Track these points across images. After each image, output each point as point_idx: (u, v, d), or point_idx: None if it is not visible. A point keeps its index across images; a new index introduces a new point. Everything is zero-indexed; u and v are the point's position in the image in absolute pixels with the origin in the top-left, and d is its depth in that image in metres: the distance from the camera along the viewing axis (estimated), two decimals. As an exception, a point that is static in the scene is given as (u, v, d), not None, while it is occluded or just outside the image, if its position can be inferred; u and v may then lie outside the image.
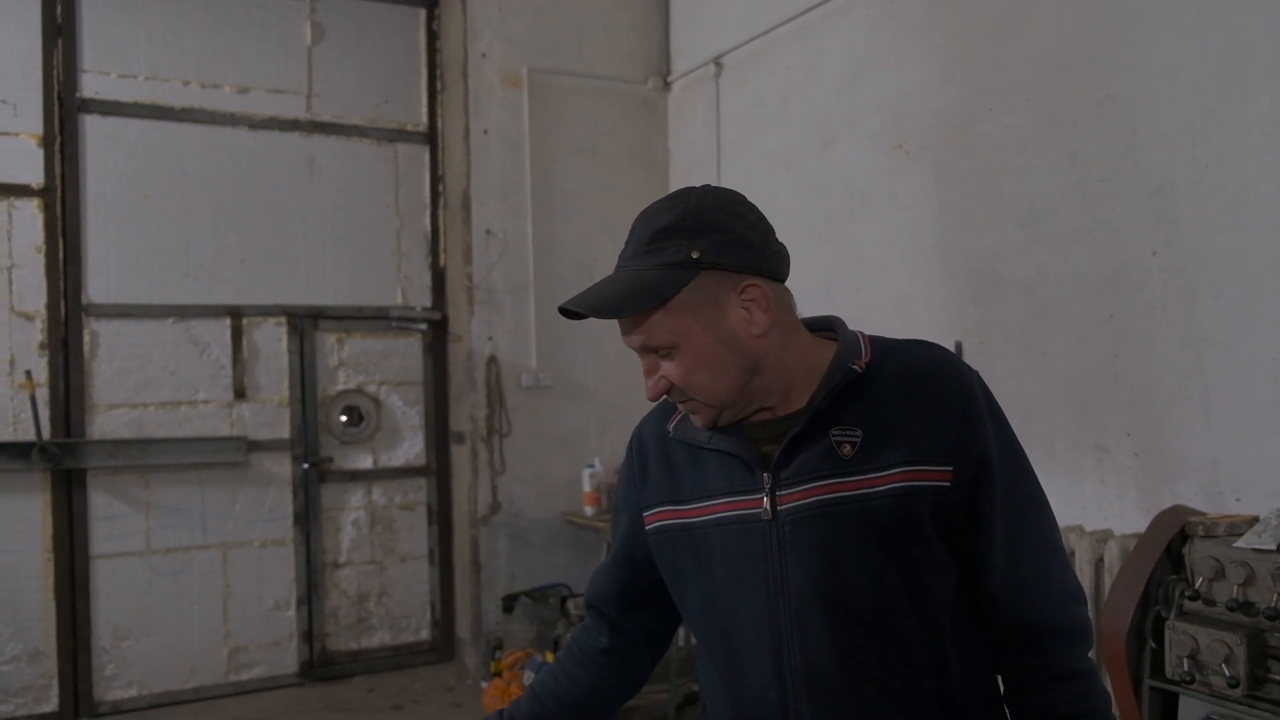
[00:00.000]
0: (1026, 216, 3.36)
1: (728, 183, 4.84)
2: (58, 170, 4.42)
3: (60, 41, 4.43)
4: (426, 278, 5.17)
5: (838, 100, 4.17)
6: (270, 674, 4.83)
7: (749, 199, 1.29)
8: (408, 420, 5.13)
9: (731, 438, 1.26)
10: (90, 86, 4.50)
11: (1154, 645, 2.27)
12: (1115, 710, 1.24)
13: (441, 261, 5.17)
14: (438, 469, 5.17)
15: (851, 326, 1.34)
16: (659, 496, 1.33)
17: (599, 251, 5.03)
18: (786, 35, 4.43)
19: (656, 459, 1.35)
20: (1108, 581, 2.90)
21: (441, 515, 5.18)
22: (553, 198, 4.97)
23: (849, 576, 1.19)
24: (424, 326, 5.12)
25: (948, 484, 1.18)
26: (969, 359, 3.60)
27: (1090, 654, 1.23)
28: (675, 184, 5.28)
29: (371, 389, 5.05)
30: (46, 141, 4.41)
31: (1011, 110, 3.40)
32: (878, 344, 1.28)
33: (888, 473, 1.18)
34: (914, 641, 1.19)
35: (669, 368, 1.21)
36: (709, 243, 1.18)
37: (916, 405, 1.20)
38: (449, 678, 4.95)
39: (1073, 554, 3.07)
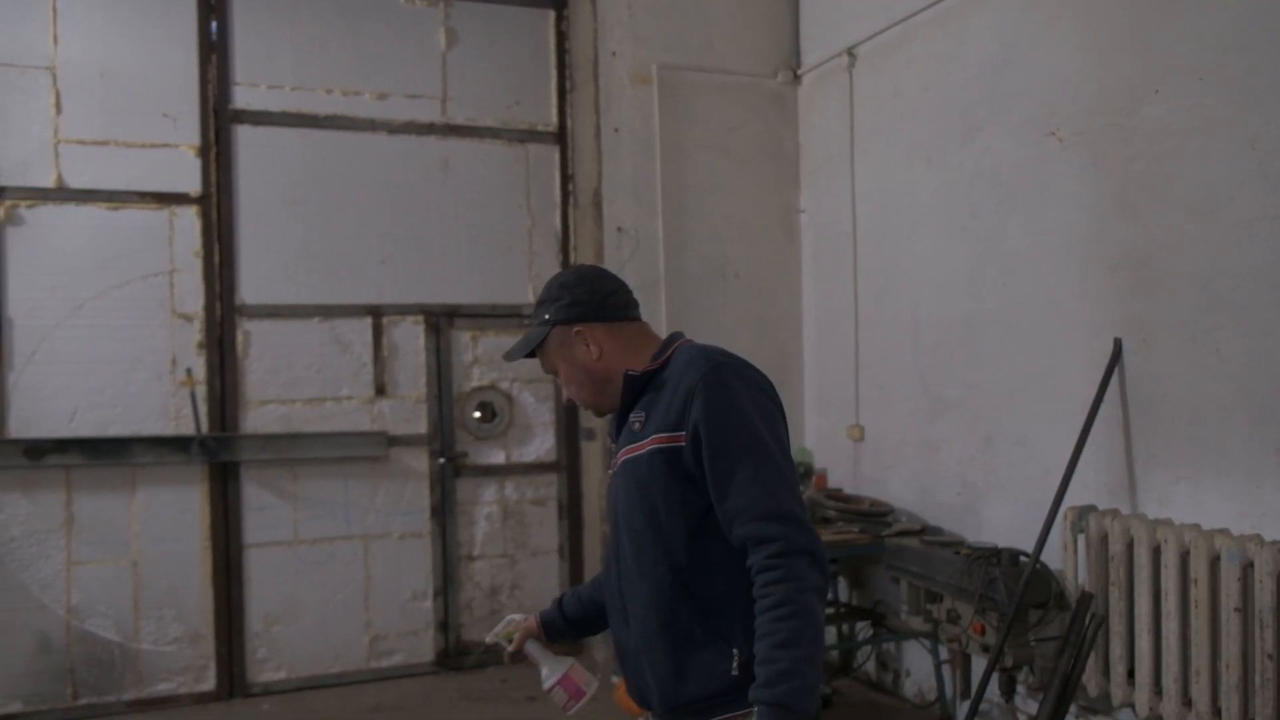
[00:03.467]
0: (1199, 205, 3.16)
1: (861, 177, 4.75)
2: (213, 179, 4.65)
3: (214, 57, 4.65)
4: (557, 276, 5.22)
5: (983, 87, 4.01)
6: (408, 662, 4.97)
7: (594, 271, 1.96)
8: (539, 417, 5.20)
9: (611, 422, 1.92)
10: (242, 98, 4.71)
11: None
12: (808, 596, 1.63)
13: (572, 260, 5.21)
14: (568, 465, 5.22)
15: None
16: (608, 462, 2.13)
17: (729, 248, 4.99)
18: (926, 22, 4.29)
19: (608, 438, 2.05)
20: (1298, 596, 2.71)
21: (572, 510, 5.23)
22: (683, 195, 4.95)
23: (632, 506, 1.79)
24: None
25: (683, 444, 1.73)
26: (1129, 356, 3.43)
27: (790, 557, 1.64)
28: (806, 179, 5.19)
29: (504, 386, 5.14)
30: (203, 152, 4.64)
31: (1182, 91, 3.20)
32: (679, 350, 1.85)
33: (649, 439, 1.76)
34: (665, 549, 1.75)
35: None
36: (554, 308, 1.86)
37: (668, 392, 1.77)
38: (580, 672, 4.99)
39: (1250, 565, 2.88)
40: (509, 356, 1.97)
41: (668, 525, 1.75)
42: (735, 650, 1.72)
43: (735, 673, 1.71)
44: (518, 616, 2.14)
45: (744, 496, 1.68)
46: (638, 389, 1.82)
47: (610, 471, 1.94)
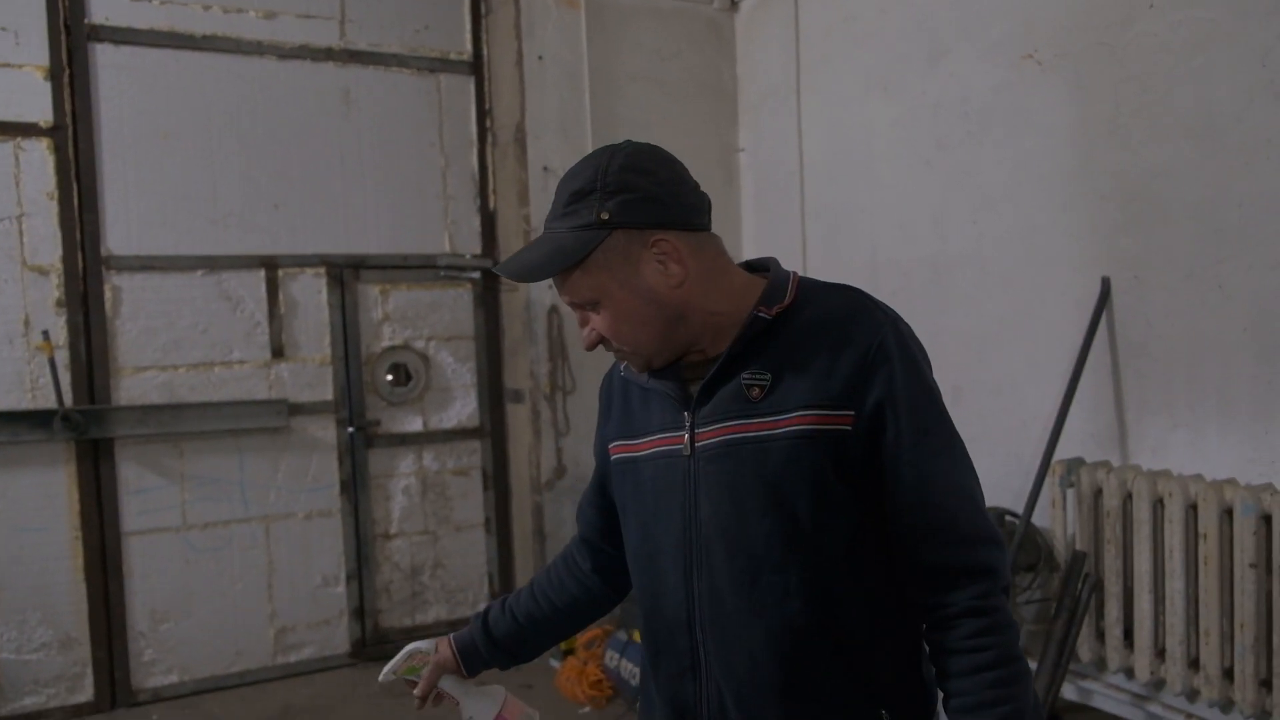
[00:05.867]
0: (1202, 128, 2.91)
1: (808, 111, 4.39)
2: (68, 106, 3.94)
3: (64, -40, 3.93)
4: (476, 222, 4.70)
5: (950, 8, 3.70)
6: (320, 655, 4.45)
7: (666, 152, 1.29)
8: (459, 378, 4.70)
9: (665, 378, 1.32)
10: (100, 11, 4.00)
11: None
12: (1020, 649, 1.25)
13: (492, 204, 4.70)
14: (492, 430, 4.76)
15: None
16: (617, 431, 1.41)
17: (666, 189, 4.57)
18: (884, -63, 3.93)
19: (619, 397, 1.43)
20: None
21: (498, 480, 4.77)
22: (616, 131, 4.49)
23: (745, 512, 1.25)
24: (475, 275, 4.67)
25: (848, 428, 1.22)
26: (1120, 295, 3.18)
27: (1001, 597, 1.24)
28: (745, 115, 4.81)
29: (419, 345, 4.61)
30: (54, 74, 3.92)
31: (1181, 4, 2.94)
32: (804, 287, 1.31)
33: (789, 415, 1.23)
34: (805, 573, 1.24)
35: (597, 321, 1.27)
36: (617, 203, 1.22)
37: (823, 350, 1.24)
38: (512, 655, 4.58)
39: (1268, 516, 2.67)
40: (523, 276, 1.27)
41: (816, 539, 1.24)
42: (884, 711, 1.28)
43: None
44: (423, 645, 1.57)
45: (943, 509, 1.23)
46: (758, 336, 1.28)
47: (673, 455, 1.32)
